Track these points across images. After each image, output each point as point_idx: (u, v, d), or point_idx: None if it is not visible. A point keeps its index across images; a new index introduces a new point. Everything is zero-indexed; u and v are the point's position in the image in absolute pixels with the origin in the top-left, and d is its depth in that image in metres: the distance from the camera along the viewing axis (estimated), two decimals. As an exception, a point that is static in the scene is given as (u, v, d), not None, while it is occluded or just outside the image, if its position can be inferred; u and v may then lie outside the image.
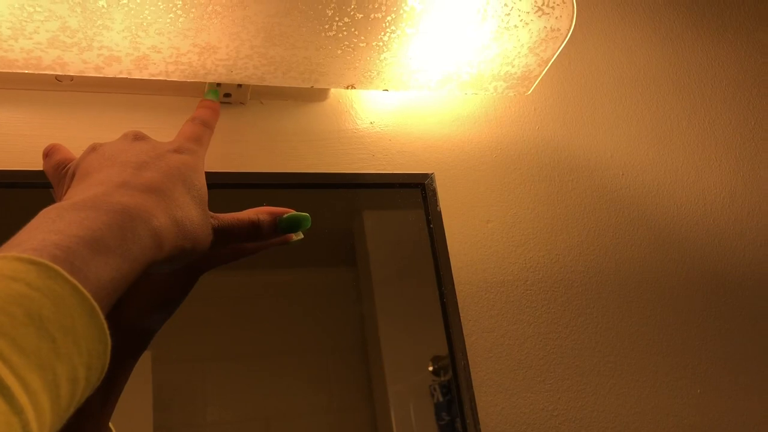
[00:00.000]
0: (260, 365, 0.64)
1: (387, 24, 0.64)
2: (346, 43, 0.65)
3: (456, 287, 0.65)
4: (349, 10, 0.62)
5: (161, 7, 0.58)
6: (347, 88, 0.71)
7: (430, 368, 0.67)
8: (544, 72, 0.74)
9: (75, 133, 0.66)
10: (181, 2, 0.58)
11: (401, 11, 0.64)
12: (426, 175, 0.68)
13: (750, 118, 0.93)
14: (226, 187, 0.65)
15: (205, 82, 0.68)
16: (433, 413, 0.66)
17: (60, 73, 0.63)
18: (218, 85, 0.68)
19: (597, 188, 0.81)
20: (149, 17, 0.58)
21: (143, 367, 0.58)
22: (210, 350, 0.63)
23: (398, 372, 0.65)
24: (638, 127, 0.86)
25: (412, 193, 0.67)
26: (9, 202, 0.61)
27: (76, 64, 0.62)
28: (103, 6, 0.57)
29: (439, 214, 0.66)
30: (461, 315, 0.64)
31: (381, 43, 0.66)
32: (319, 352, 0.64)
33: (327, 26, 0.63)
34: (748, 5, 1.01)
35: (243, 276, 0.65)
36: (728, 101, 0.93)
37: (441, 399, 0.65)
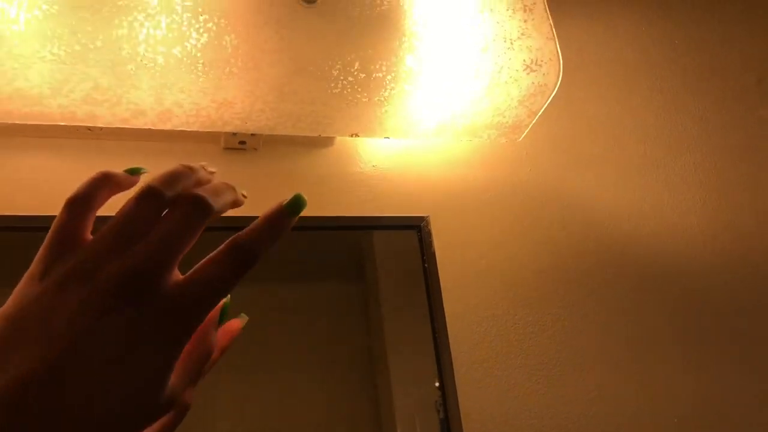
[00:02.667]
0: (269, 379, 0.69)
1: (387, 82, 0.70)
2: (351, 99, 0.71)
3: (447, 320, 0.71)
4: (353, 70, 0.69)
5: (184, 69, 0.64)
6: (352, 136, 0.77)
7: (436, 384, 0.72)
8: (533, 122, 0.80)
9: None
10: (201, 65, 0.64)
11: (400, 71, 0.70)
12: (422, 218, 0.74)
13: (725, 160, 0.99)
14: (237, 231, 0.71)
15: (222, 132, 0.74)
16: (439, 429, 0.71)
17: (91, 125, 0.70)
18: (240, 141, 0.75)
19: (584, 227, 0.87)
20: (173, 78, 0.65)
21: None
22: (220, 363, 0.69)
23: (404, 387, 0.70)
24: (623, 169, 0.92)
25: (409, 234, 0.73)
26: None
27: (105, 117, 0.68)
28: (131, 69, 0.63)
29: (433, 254, 0.71)
30: (452, 347, 0.69)
31: (382, 98, 0.72)
32: (326, 367, 0.69)
33: (333, 84, 0.69)
34: (735, 66, 1.07)
35: (253, 290, 0.71)
36: (706, 145, 0.99)
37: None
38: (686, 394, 0.80)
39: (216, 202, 0.34)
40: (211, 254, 0.32)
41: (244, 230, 0.33)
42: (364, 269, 0.74)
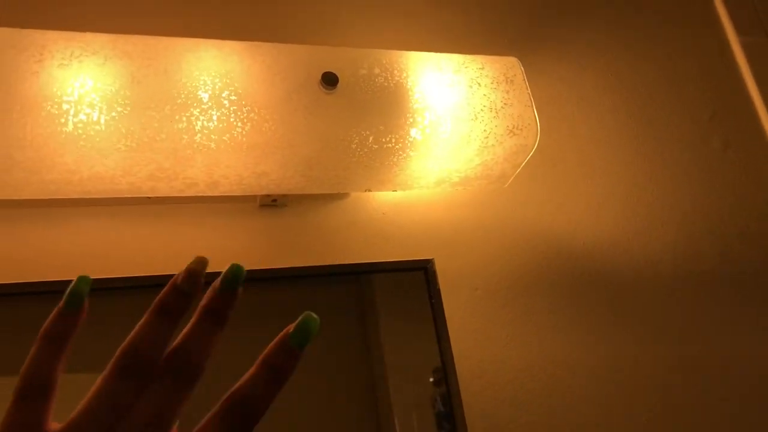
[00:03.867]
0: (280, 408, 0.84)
1: (396, 151, 0.85)
2: (366, 164, 0.86)
3: (452, 344, 0.86)
4: (368, 143, 0.83)
5: (231, 151, 0.79)
6: (365, 191, 0.92)
7: (431, 379, 0.86)
8: (516, 172, 0.95)
9: (160, 234, 0.87)
10: (245, 147, 0.79)
11: (407, 141, 0.85)
12: (428, 260, 0.89)
13: (684, 190, 1.15)
14: (266, 280, 0.84)
15: (258, 195, 0.89)
16: (435, 423, 0.85)
17: (151, 195, 0.84)
18: (273, 200, 0.89)
19: (560, 254, 1.02)
20: (222, 158, 0.79)
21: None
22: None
23: (401, 383, 0.84)
24: (593, 205, 1.07)
25: (417, 274, 0.88)
26: (106, 307, 0.82)
27: (164, 189, 0.82)
28: (189, 152, 0.78)
29: (438, 291, 0.86)
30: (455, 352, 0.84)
31: (391, 163, 0.87)
32: (323, 364, 0.83)
33: (351, 155, 0.84)
34: (691, 103, 1.23)
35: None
36: (668, 178, 1.15)
37: (442, 409, 0.84)
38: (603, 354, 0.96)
39: (202, 357, 0.31)
40: (207, 417, 0.30)
41: (242, 381, 0.31)
42: (376, 308, 0.89)
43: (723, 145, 1.21)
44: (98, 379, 0.29)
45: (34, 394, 0.29)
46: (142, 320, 0.32)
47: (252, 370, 0.31)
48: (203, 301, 0.33)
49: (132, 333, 0.31)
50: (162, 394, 0.29)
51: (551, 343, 0.96)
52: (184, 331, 0.31)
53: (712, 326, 1.05)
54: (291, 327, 0.32)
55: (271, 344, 0.32)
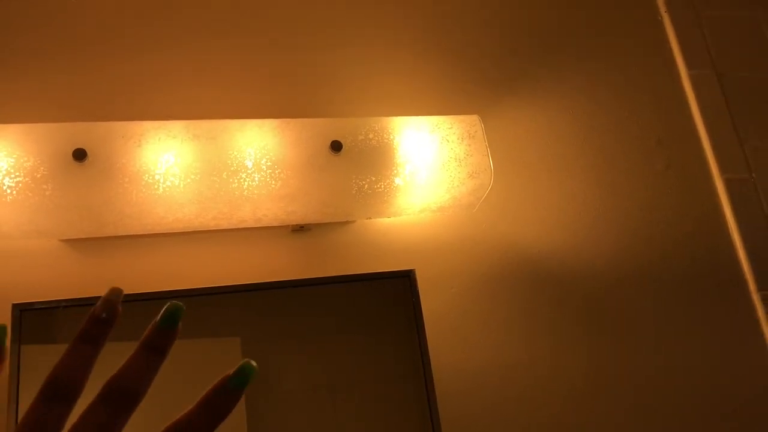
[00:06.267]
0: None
1: (385, 193, 1.18)
2: (364, 202, 1.19)
3: (427, 335, 1.20)
4: (364, 189, 1.17)
5: (269, 199, 1.13)
6: (367, 219, 1.26)
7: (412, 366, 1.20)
8: (479, 202, 1.27)
9: (221, 253, 1.23)
10: (278, 197, 1.13)
11: (392, 187, 1.18)
12: (410, 270, 1.22)
13: (631, 207, 1.44)
14: (299, 286, 1.19)
15: (289, 225, 1.24)
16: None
17: (214, 229, 1.20)
18: (300, 227, 1.25)
19: (522, 263, 1.34)
20: (263, 204, 1.14)
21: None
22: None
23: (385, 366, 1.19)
24: (550, 220, 1.39)
25: (403, 280, 1.21)
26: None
27: (223, 224, 1.18)
28: (240, 202, 1.13)
29: (418, 294, 1.19)
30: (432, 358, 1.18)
31: (383, 200, 1.20)
32: (341, 348, 1.19)
33: (353, 198, 1.17)
34: (638, 130, 1.51)
35: (291, 343, 1.21)
36: (614, 196, 1.44)
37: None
38: (585, 355, 1.28)
39: (139, 384, 0.33)
40: None
41: (180, 417, 0.32)
42: (376, 306, 1.23)
43: (665, 167, 1.49)
44: (27, 408, 0.32)
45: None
46: (66, 349, 0.34)
47: (192, 408, 0.32)
48: (144, 335, 0.35)
49: (57, 362, 0.33)
50: (99, 419, 0.31)
51: (510, 331, 1.28)
52: (125, 361, 0.33)
53: (648, 321, 1.36)
54: (231, 371, 0.34)
55: (212, 385, 0.33)
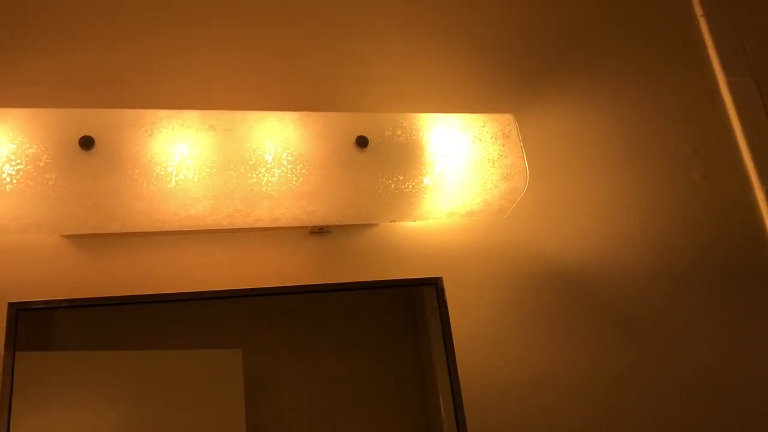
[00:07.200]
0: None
1: (413, 194, 1.10)
2: (390, 204, 1.11)
3: (455, 343, 1.11)
4: (391, 189, 1.09)
5: (288, 196, 1.05)
6: (391, 222, 1.18)
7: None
8: (512, 207, 1.19)
9: (235, 255, 1.14)
10: (299, 194, 1.05)
11: (421, 187, 1.10)
12: (438, 278, 1.13)
13: (667, 218, 1.36)
14: (316, 292, 1.10)
15: (308, 226, 1.15)
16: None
17: (226, 228, 1.11)
18: (320, 228, 1.16)
19: (548, 271, 1.25)
20: (281, 202, 1.06)
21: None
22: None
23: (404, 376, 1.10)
24: (585, 229, 1.30)
25: (430, 288, 1.13)
26: (195, 311, 1.09)
27: (238, 223, 1.10)
28: (257, 199, 1.05)
29: (445, 302, 1.11)
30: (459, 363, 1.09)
31: (410, 202, 1.12)
32: (359, 354, 1.10)
33: (378, 198, 1.09)
34: (674, 140, 1.44)
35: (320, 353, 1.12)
36: (651, 205, 1.36)
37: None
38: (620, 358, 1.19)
39: None
40: None
41: None
42: (399, 314, 1.14)
43: (702, 177, 1.41)
44: None
45: None
46: None
47: None
48: None
49: None
50: None
51: (542, 343, 1.20)
52: None
53: (685, 332, 1.28)
54: None
55: None
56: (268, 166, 1.04)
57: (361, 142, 1.08)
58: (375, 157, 1.08)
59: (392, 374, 1.07)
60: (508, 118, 1.17)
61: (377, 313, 1.11)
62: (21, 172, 0.95)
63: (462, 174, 1.11)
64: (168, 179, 1.00)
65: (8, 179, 0.95)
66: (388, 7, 1.39)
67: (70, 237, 1.09)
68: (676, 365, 1.25)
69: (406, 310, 1.12)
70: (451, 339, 1.08)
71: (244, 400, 0.99)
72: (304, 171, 1.05)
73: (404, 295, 1.12)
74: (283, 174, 1.04)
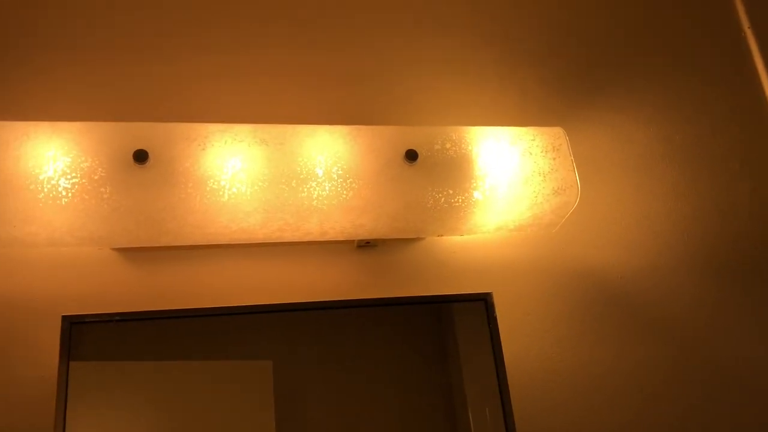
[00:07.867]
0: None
1: (462, 208, 1.09)
2: (438, 218, 1.10)
3: (506, 360, 1.10)
4: (440, 203, 1.08)
5: (338, 210, 1.05)
6: (438, 236, 1.17)
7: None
8: (562, 221, 1.17)
9: (284, 267, 1.14)
10: (348, 208, 1.05)
11: (471, 201, 1.09)
12: (487, 293, 1.12)
13: (720, 237, 1.34)
14: (364, 306, 1.09)
15: (355, 240, 1.15)
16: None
17: (276, 242, 1.11)
18: (367, 242, 1.16)
19: (599, 282, 1.23)
20: (331, 215, 1.05)
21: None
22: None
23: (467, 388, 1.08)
24: (631, 245, 1.28)
25: (478, 304, 1.11)
26: (242, 323, 1.09)
27: (288, 236, 1.09)
28: (308, 213, 1.04)
29: (495, 318, 1.10)
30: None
31: (459, 216, 1.11)
32: (402, 372, 1.08)
33: (427, 212, 1.08)
34: (722, 154, 1.41)
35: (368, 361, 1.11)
36: (699, 221, 1.34)
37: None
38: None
39: None
40: None
41: None
42: (444, 330, 1.13)
43: (750, 192, 1.38)
44: None
45: None
46: None
47: None
48: None
49: None
50: None
51: (592, 360, 1.18)
52: None
53: (734, 351, 1.25)
54: None
55: None
56: (318, 179, 1.03)
57: (411, 155, 1.07)
58: (424, 171, 1.07)
59: (424, 394, 1.06)
60: (558, 131, 1.16)
61: (425, 329, 1.10)
62: (76, 186, 0.96)
63: (512, 188, 1.10)
64: (221, 193, 1.00)
65: (64, 192, 0.95)
66: (435, 20, 1.39)
67: (120, 250, 1.09)
68: (728, 375, 1.22)
69: (454, 326, 1.11)
70: (501, 355, 1.07)
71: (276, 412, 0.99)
72: (354, 185, 1.04)
73: (453, 311, 1.11)
74: (333, 188, 1.03)
